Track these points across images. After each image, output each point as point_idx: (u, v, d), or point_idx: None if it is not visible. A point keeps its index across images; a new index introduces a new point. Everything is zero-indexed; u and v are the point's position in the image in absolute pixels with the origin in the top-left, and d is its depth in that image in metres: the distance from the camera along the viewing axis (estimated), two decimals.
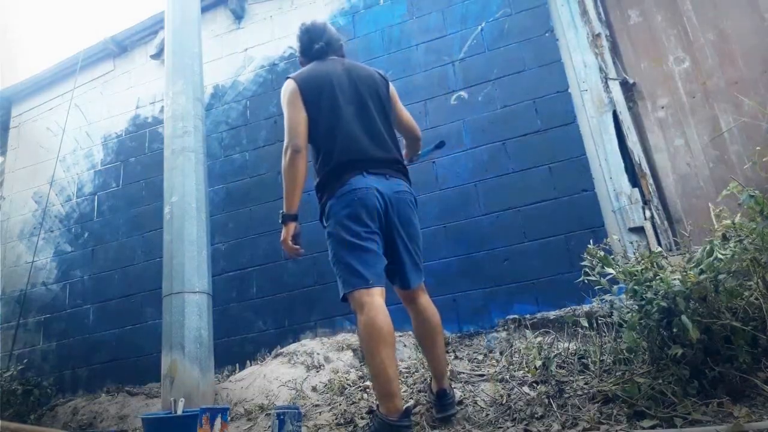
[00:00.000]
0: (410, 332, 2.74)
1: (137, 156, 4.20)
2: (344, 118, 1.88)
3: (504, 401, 1.93)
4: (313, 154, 1.93)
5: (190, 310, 2.58)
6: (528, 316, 2.68)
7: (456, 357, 2.56)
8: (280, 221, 1.87)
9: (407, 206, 1.89)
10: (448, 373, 2.04)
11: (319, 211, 1.92)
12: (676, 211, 2.81)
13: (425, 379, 2.27)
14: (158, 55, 4.27)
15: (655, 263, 1.77)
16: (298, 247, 1.88)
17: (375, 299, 1.69)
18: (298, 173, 1.83)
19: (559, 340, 2.35)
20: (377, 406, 1.73)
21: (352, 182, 1.79)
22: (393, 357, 1.66)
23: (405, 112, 2.19)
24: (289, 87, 1.93)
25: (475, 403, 1.99)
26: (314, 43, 2.06)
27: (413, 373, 2.43)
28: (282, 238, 1.87)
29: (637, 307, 1.72)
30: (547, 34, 3.16)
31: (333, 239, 1.80)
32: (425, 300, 1.91)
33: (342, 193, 1.79)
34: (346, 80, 1.96)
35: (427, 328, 1.90)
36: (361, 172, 1.81)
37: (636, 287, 1.71)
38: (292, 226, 1.86)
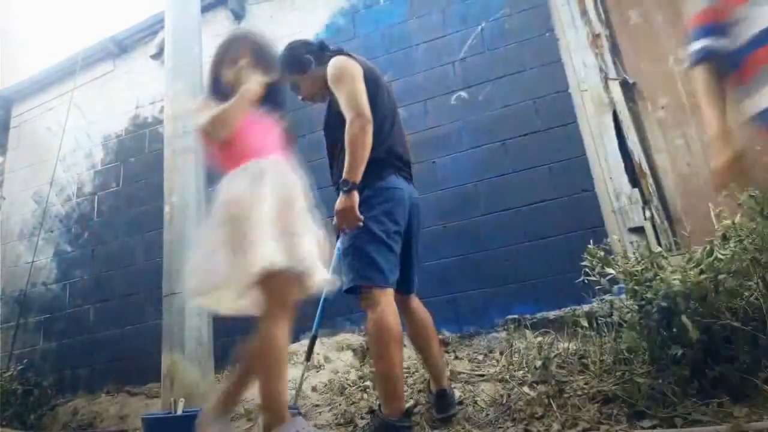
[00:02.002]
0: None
1: (137, 156, 4.19)
2: (391, 116, 1.90)
3: (504, 401, 1.93)
4: None
5: (190, 310, 2.58)
6: (528, 316, 2.68)
7: (456, 357, 2.56)
8: (345, 189, 1.68)
9: (419, 211, 1.94)
10: (447, 373, 2.05)
11: None
12: (676, 211, 2.81)
13: (425, 379, 2.27)
14: (158, 55, 4.27)
15: (655, 263, 1.77)
16: (363, 216, 1.72)
17: (390, 299, 1.71)
18: (369, 141, 1.70)
19: (559, 340, 2.35)
20: (379, 405, 1.73)
21: (391, 180, 1.80)
22: (401, 357, 1.69)
23: None
24: (350, 62, 1.83)
25: (475, 403, 1.99)
26: (324, 48, 1.99)
27: (413, 373, 2.43)
28: (349, 206, 1.66)
29: (637, 307, 1.72)
30: (547, 34, 3.15)
31: (361, 229, 1.70)
32: (416, 302, 1.94)
33: (380, 188, 1.77)
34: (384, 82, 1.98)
35: (422, 329, 1.92)
36: (396, 173, 1.83)
37: (636, 287, 1.71)
38: (356, 195, 1.69)
